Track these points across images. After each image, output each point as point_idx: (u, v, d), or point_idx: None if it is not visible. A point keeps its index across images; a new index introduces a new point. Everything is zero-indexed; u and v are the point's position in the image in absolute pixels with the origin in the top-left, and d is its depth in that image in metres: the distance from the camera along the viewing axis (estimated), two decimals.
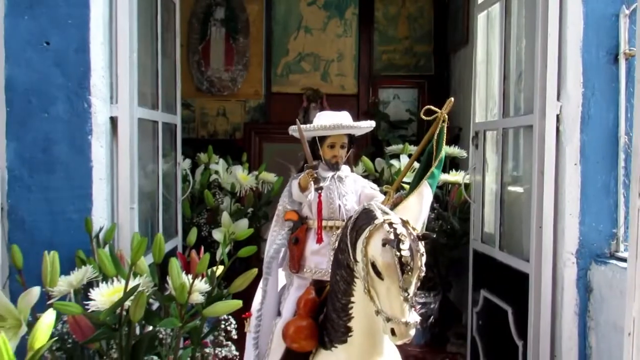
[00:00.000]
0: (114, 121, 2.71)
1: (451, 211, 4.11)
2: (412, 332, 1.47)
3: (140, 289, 2.06)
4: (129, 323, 2.09)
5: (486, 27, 3.63)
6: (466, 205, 3.95)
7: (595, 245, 2.67)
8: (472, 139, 3.63)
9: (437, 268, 4.15)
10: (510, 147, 3.30)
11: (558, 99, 2.72)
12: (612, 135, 2.68)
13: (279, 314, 2.00)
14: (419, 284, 1.50)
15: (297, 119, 2.07)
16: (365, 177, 3.21)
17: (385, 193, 1.99)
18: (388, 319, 1.46)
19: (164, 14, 3.34)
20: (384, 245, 1.46)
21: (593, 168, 2.68)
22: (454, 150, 4.23)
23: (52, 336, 1.46)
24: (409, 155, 4.32)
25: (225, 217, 3.60)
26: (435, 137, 1.92)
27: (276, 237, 2.06)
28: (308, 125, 2.05)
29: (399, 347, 1.96)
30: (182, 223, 3.69)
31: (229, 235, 3.46)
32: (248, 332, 2.15)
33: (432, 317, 4.15)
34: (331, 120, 2.03)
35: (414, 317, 1.48)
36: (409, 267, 1.44)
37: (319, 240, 1.94)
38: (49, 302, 2.23)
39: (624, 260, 2.44)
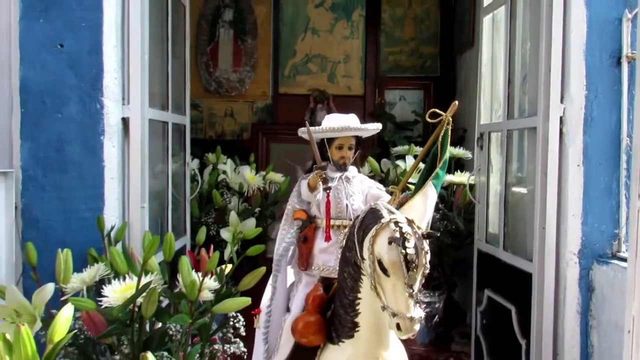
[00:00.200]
0: (125, 122, 2.76)
1: (456, 211, 4.15)
2: (417, 326, 1.53)
3: (152, 286, 2.11)
4: (141, 319, 2.14)
5: (491, 30, 3.67)
6: (471, 205, 3.98)
7: (598, 246, 2.71)
8: (477, 140, 3.67)
9: (442, 268, 4.19)
10: (514, 149, 3.34)
11: (561, 101, 2.76)
12: (614, 137, 2.72)
13: (287, 310, 2.06)
14: (423, 281, 1.55)
15: (306, 121, 2.13)
16: (372, 177, 3.25)
17: (391, 193, 2.05)
18: (394, 314, 1.52)
19: (174, 16, 3.39)
20: (390, 243, 1.51)
21: (595, 169, 2.72)
22: (459, 151, 4.26)
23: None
24: (415, 156, 4.36)
25: (233, 216, 3.64)
26: (440, 139, 1.97)
27: (285, 235, 2.12)
28: (317, 128, 2.10)
29: (404, 345, 2.02)
30: (190, 222, 3.74)
31: (237, 235, 3.52)
32: (257, 328, 2.20)
33: (436, 316, 4.19)
34: (339, 123, 2.08)
35: (418, 313, 1.53)
36: (414, 265, 1.49)
37: (327, 238, 1.99)
38: (62, 299, 2.29)
39: (625, 260, 2.48)
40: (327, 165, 2.04)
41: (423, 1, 6.03)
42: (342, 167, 2.09)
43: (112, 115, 2.70)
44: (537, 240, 2.82)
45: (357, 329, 1.72)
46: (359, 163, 2.20)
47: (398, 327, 1.52)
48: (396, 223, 1.54)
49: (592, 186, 2.72)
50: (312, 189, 1.99)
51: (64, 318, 1.37)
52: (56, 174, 2.68)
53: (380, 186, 2.17)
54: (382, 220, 1.57)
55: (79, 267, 2.39)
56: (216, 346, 2.55)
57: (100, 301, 2.15)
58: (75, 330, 1.86)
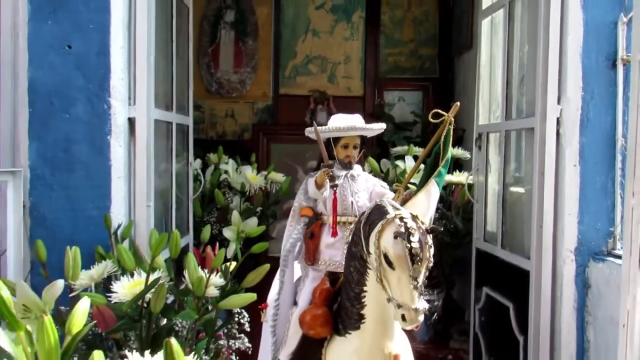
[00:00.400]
0: (131, 122, 2.80)
1: (455, 211, 4.20)
2: (421, 317, 1.59)
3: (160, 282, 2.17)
4: (149, 314, 2.20)
5: (490, 33, 3.73)
6: (469, 205, 4.04)
7: (594, 244, 2.77)
8: (475, 141, 3.72)
9: (441, 266, 4.25)
10: (512, 149, 3.40)
11: (559, 102, 2.80)
12: (610, 137, 2.77)
13: (295, 303, 2.12)
14: (427, 274, 1.62)
15: (313, 122, 2.19)
16: None
17: (395, 191, 2.11)
18: (399, 306, 1.58)
19: (177, 17, 3.45)
20: (395, 237, 1.58)
21: (592, 169, 2.77)
22: (458, 151, 4.31)
23: None
24: (414, 156, 4.42)
25: (235, 215, 3.69)
26: (442, 138, 2.04)
27: (292, 231, 2.18)
28: (324, 127, 2.16)
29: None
30: (193, 222, 3.80)
31: (239, 233, 3.58)
32: (264, 322, 2.26)
33: (435, 314, 4.25)
34: (345, 122, 2.15)
35: (422, 304, 1.60)
36: (418, 258, 1.56)
37: (334, 234, 2.06)
38: (71, 295, 2.34)
39: (620, 257, 2.53)
40: (334, 163, 2.10)
41: (422, 3, 6.10)
42: (347, 166, 2.15)
43: (119, 115, 2.74)
44: (534, 238, 2.87)
45: (363, 321, 1.78)
46: (363, 162, 2.26)
47: (403, 318, 1.58)
48: (401, 218, 1.61)
49: (588, 186, 2.77)
50: (319, 186, 2.06)
51: (81, 311, 1.42)
52: (64, 173, 2.73)
53: (384, 184, 2.24)
54: (388, 216, 1.64)
55: (86, 265, 2.43)
56: (221, 342, 2.61)
57: (109, 297, 2.20)
58: (94, 322, 1.91)
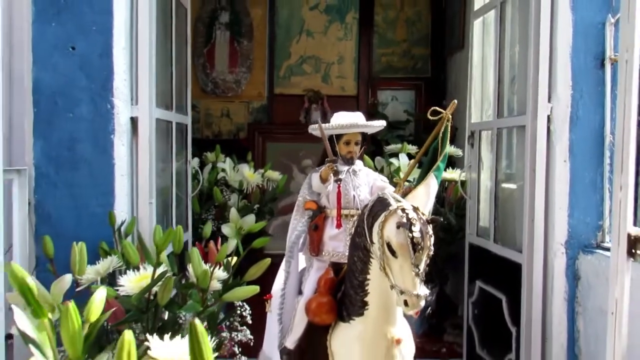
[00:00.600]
0: (134, 121, 2.87)
1: (448, 207, 4.28)
2: (423, 303, 1.68)
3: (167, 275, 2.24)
4: (156, 306, 2.26)
5: (482, 33, 3.80)
6: (462, 201, 4.11)
7: (583, 237, 2.85)
8: (467, 139, 3.80)
9: (435, 262, 4.32)
10: (504, 146, 3.48)
11: (549, 100, 2.88)
12: (598, 134, 2.85)
13: (300, 292, 2.21)
14: (428, 262, 1.70)
15: (318, 120, 2.27)
16: None
17: (395, 185, 2.20)
18: (401, 292, 1.67)
19: (176, 18, 3.51)
20: (398, 227, 1.66)
21: (581, 165, 2.85)
22: (451, 149, 4.38)
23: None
24: (408, 154, 4.50)
25: (233, 212, 3.77)
26: (441, 134, 2.13)
27: (297, 224, 2.26)
28: (327, 125, 2.24)
29: None
30: (192, 219, 3.86)
31: (237, 230, 3.65)
32: (269, 312, 2.34)
33: (429, 308, 4.33)
34: (348, 120, 2.23)
35: (424, 290, 1.68)
36: (419, 246, 1.65)
37: (339, 225, 2.14)
38: (77, 289, 2.41)
39: (609, 249, 2.62)
40: (337, 159, 2.18)
41: (415, 4, 6.18)
42: (349, 161, 2.23)
43: (122, 114, 2.81)
44: (526, 232, 2.95)
45: (366, 308, 1.87)
46: (364, 158, 2.35)
47: (405, 303, 1.67)
48: (403, 210, 1.69)
49: (577, 181, 2.85)
50: (324, 180, 2.14)
51: (99, 299, 1.49)
52: (68, 171, 2.79)
53: (385, 178, 2.33)
54: (390, 208, 1.72)
55: (89, 261, 2.48)
56: (223, 334, 2.68)
57: (117, 290, 2.26)
58: (112, 309, 1.97)
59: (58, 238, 2.64)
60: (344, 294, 1.99)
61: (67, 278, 2.09)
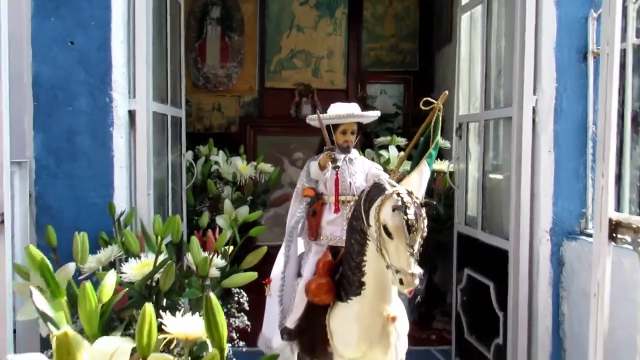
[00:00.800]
0: (131, 114, 2.93)
1: (436, 197, 4.38)
2: (417, 281, 1.78)
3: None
4: (158, 292, 2.34)
5: (469, 28, 3.89)
6: (451, 191, 4.20)
7: (567, 224, 2.95)
8: (455, 130, 3.90)
9: (424, 251, 4.41)
10: (491, 137, 3.57)
11: (534, 93, 2.96)
12: (581, 125, 2.94)
13: (299, 275, 2.30)
14: (421, 243, 1.81)
15: (317, 110, 2.36)
16: None
17: (389, 172, 2.29)
18: (397, 271, 1.77)
19: (171, 13, 3.57)
20: (393, 210, 1.76)
21: (565, 155, 2.94)
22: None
23: None
24: (397, 146, 4.60)
25: (227, 204, 3.85)
26: (432, 124, 2.24)
27: (296, 210, 2.36)
28: (325, 115, 2.33)
29: None
30: (186, 211, 3.93)
31: (232, 221, 3.74)
32: (268, 296, 2.43)
33: (419, 297, 4.43)
34: (344, 110, 2.33)
35: (418, 269, 1.79)
36: (414, 228, 1.75)
37: (337, 210, 2.24)
38: (80, 278, 2.48)
39: (592, 236, 2.72)
40: (335, 147, 2.28)
41: None
42: (345, 150, 2.33)
43: (120, 107, 2.86)
44: (512, 220, 3.04)
45: (363, 288, 1.97)
46: (359, 147, 2.44)
47: (401, 282, 1.77)
48: (398, 194, 1.79)
49: (561, 170, 2.94)
50: (322, 167, 2.23)
51: (110, 282, 1.58)
52: (67, 163, 2.84)
53: (379, 166, 2.43)
54: (386, 192, 1.82)
55: (90, 250, 2.54)
56: None
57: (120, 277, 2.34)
58: (123, 290, 2.05)
59: (58, 228, 2.67)
60: (341, 275, 2.09)
61: (71, 266, 2.17)
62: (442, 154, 4.66)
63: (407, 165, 2.47)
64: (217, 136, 5.52)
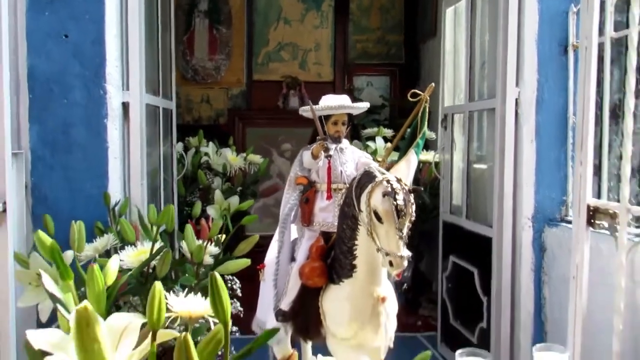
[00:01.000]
0: (125, 106, 2.99)
1: (422, 187, 4.46)
2: (406, 263, 1.87)
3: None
4: (155, 278, 2.42)
5: (453, 21, 3.98)
6: (436, 181, 4.30)
7: (549, 211, 3.04)
8: (441, 122, 3.99)
9: (410, 239, 4.51)
10: (475, 128, 3.66)
11: (517, 85, 3.05)
12: (562, 116, 3.03)
13: (293, 259, 2.39)
14: (410, 227, 1.90)
15: (309, 101, 2.44)
16: None
17: (378, 162, 2.39)
18: (387, 254, 1.86)
19: (162, 6, 3.62)
20: (383, 196, 1.85)
21: (546, 145, 3.03)
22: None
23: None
24: (384, 137, 4.69)
25: (218, 194, 3.94)
26: (420, 115, 2.34)
27: (289, 198, 2.45)
28: (317, 106, 2.42)
29: None
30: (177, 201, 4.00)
31: (222, 211, 3.82)
32: (262, 281, 2.52)
33: (405, 284, 4.54)
34: (336, 102, 2.42)
35: (406, 252, 1.88)
36: (403, 213, 1.84)
37: (329, 197, 2.33)
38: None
39: (571, 222, 2.83)
40: (327, 137, 2.37)
41: None
42: (336, 140, 2.42)
43: (114, 100, 2.92)
44: (496, 208, 3.14)
45: (354, 270, 2.06)
46: (349, 137, 2.54)
47: (390, 264, 1.86)
48: (388, 181, 1.88)
49: (543, 160, 3.03)
50: (315, 156, 2.32)
51: (114, 265, 1.65)
52: (63, 154, 2.89)
53: (368, 155, 2.52)
54: (377, 179, 1.91)
55: (86, 239, 2.63)
56: None
57: None
58: (129, 272, 2.14)
59: (54, 219, 2.72)
60: (333, 259, 2.18)
61: (69, 254, 2.25)
62: (427, 145, 4.75)
63: (394, 156, 2.57)
64: (205, 128, 5.58)
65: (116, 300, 2.49)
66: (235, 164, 4.47)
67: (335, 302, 2.13)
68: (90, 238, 2.66)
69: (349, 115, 2.46)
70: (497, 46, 3.14)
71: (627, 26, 2.42)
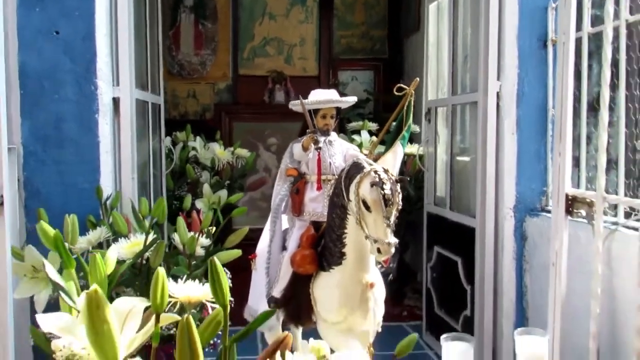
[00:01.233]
0: (115, 101, 3.04)
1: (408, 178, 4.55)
2: (393, 250, 1.96)
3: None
4: (148, 269, 2.48)
5: (437, 16, 4.07)
6: (420, 174, 4.37)
7: (529, 201, 3.13)
8: (424, 115, 4.08)
9: (397, 230, 4.60)
10: (458, 121, 3.75)
11: (498, 79, 3.12)
12: (542, 109, 3.12)
13: (284, 248, 2.48)
14: (397, 215, 1.99)
15: (299, 96, 2.52)
16: None
17: (365, 154, 2.48)
18: (375, 241, 1.95)
19: (149, 2, 3.67)
20: (371, 186, 1.93)
21: (527, 138, 3.11)
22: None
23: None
24: (369, 131, 4.77)
25: (206, 188, 4.01)
26: (405, 108, 2.43)
27: (280, 189, 2.53)
28: (306, 100, 2.50)
29: None
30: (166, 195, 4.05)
31: (211, 204, 3.89)
32: (254, 270, 2.60)
33: (391, 275, 4.62)
34: (325, 96, 2.50)
35: (393, 239, 1.97)
36: (390, 202, 1.93)
37: (319, 188, 2.42)
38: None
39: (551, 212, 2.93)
40: (317, 130, 2.45)
41: None
42: (325, 133, 2.50)
43: (105, 95, 2.95)
44: (479, 199, 3.23)
45: (344, 258, 2.15)
46: (337, 130, 2.62)
47: (378, 250, 1.95)
48: (375, 172, 1.97)
49: (524, 152, 3.11)
50: (305, 149, 2.40)
51: (113, 254, 1.72)
52: (55, 149, 2.93)
53: (356, 147, 2.62)
54: (365, 170, 2.00)
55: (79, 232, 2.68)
56: None
57: None
58: (129, 260, 2.20)
59: (47, 212, 2.77)
60: (323, 247, 2.27)
61: None
62: (411, 138, 4.82)
63: (380, 149, 2.66)
64: (192, 123, 5.61)
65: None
66: (224, 158, 4.52)
67: (326, 289, 2.22)
68: (82, 231, 2.72)
69: (337, 109, 2.54)
70: (479, 41, 3.21)
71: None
